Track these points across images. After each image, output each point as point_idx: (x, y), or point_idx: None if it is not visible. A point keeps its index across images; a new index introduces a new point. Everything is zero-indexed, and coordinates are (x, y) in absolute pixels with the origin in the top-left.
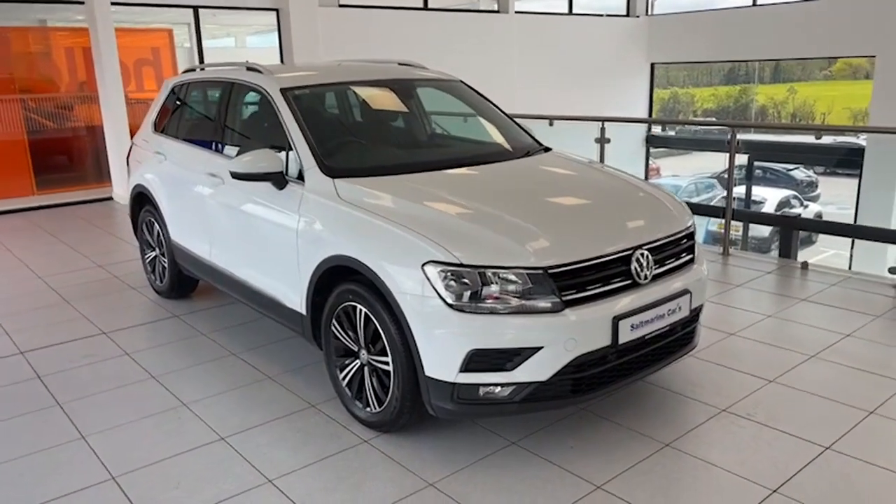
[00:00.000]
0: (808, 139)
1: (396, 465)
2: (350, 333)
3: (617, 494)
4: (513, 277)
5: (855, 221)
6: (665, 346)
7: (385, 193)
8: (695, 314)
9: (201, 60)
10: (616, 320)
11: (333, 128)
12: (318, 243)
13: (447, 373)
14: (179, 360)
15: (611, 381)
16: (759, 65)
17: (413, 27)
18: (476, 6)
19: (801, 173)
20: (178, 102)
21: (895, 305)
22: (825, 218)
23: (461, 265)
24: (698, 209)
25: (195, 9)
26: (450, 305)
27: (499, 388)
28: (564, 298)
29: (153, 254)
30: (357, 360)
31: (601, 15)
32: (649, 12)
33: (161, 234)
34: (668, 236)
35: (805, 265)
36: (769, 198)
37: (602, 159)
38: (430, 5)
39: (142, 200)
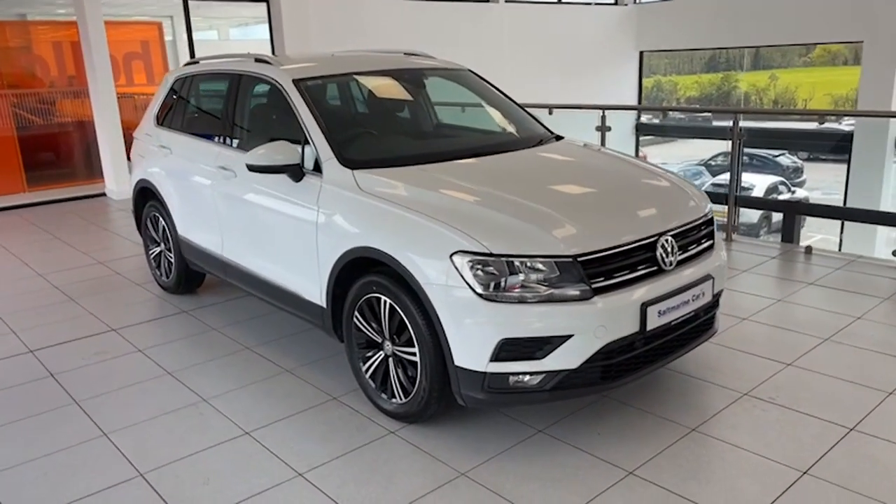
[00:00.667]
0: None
1: (426, 455)
2: (373, 325)
3: (649, 479)
4: (542, 266)
5: (844, 205)
6: (688, 332)
7: (406, 184)
8: (716, 299)
9: (192, 54)
10: (644, 307)
11: (348, 118)
12: (339, 235)
13: (477, 362)
14: (193, 355)
15: (638, 367)
16: (740, 52)
17: (404, 17)
18: None
19: (786, 159)
20: (182, 95)
21: None
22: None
23: (490, 254)
24: None
25: (185, 0)
26: (479, 295)
27: (529, 377)
28: (593, 286)
29: (158, 249)
30: (381, 352)
31: (589, 3)
32: (637, 0)
33: (167, 229)
34: (691, 222)
35: (809, 249)
36: (757, 184)
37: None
38: None
39: (146, 195)
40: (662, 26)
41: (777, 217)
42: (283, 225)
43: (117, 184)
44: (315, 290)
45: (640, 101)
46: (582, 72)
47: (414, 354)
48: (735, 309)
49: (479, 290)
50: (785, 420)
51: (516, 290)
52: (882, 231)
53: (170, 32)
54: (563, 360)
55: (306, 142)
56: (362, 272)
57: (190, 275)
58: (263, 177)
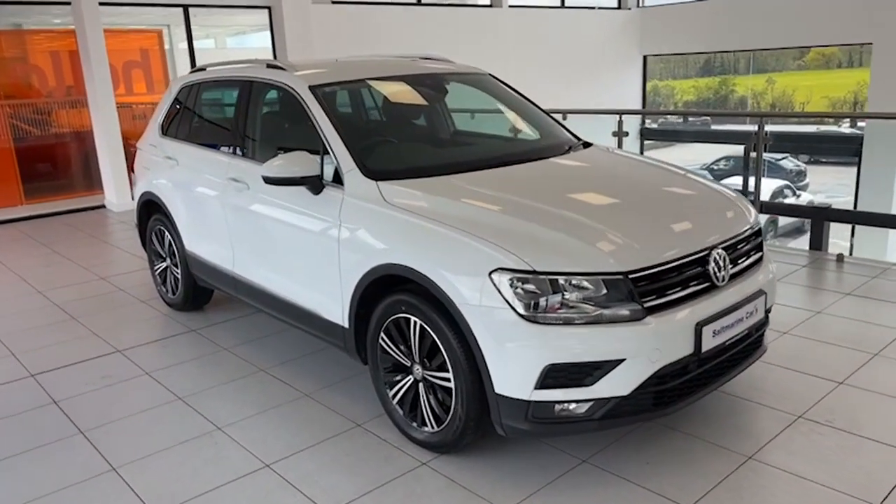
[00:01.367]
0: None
1: (463, 490)
2: (401, 347)
3: None
4: (591, 284)
5: (855, 208)
6: (740, 352)
7: (436, 195)
8: (766, 316)
9: (193, 62)
10: (699, 327)
11: (369, 127)
12: (363, 252)
13: (521, 390)
14: (205, 378)
15: (691, 392)
16: (734, 56)
17: (407, 23)
18: (469, 1)
19: (789, 163)
20: (188, 104)
21: None
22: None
23: (533, 272)
24: None
25: (185, 8)
26: (522, 316)
27: (575, 405)
28: (645, 305)
29: (164, 264)
30: (409, 376)
31: (593, 8)
32: (640, 4)
33: (173, 244)
34: (741, 233)
35: (840, 257)
36: (763, 188)
37: None
38: (423, 1)
39: (150, 208)
40: (666, 30)
41: (784, 221)
42: (301, 240)
43: (117, 196)
44: (336, 310)
45: (643, 105)
46: (585, 76)
47: (448, 380)
48: (773, 322)
49: (522, 311)
50: (846, 446)
51: (562, 311)
52: (893, 234)
53: (167, 41)
54: (614, 386)
55: (325, 152)
56: (389, 290)
57: (198, 291)
58: (279, 189)
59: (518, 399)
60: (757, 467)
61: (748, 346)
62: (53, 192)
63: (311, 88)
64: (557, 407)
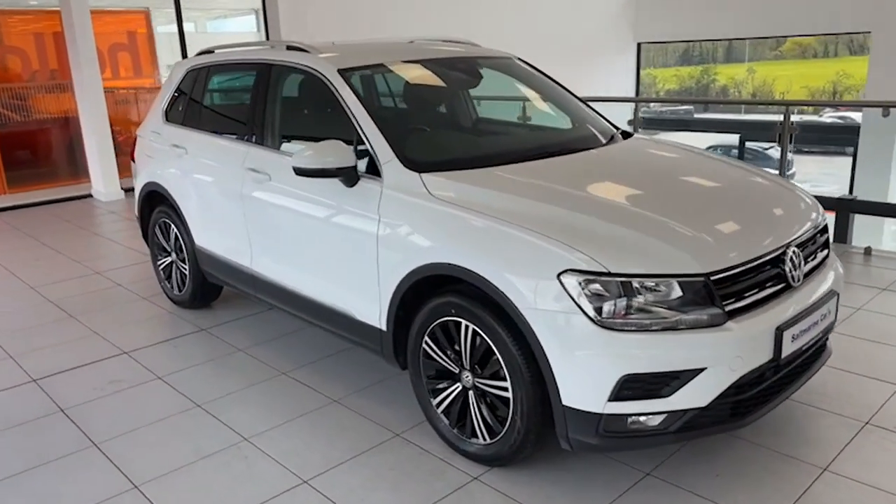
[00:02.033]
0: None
1: None
2: (448, 353)
3: None
4: (670, 287)
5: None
6: (809, 357)
7: (488, 189)
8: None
9: (183, 45)
10: (779, 331)
11: (405, 114)
12: (406, 249)
13: (592, 402)
14: (223, 383)
15: (767, 401)
16: (713, 45)
17: (401, 5)
18: None
19: (776, 152)
20: (196, 89)
21: None
22: None
23: (608, 274)
24: None
25: None
26: (596, 322)
27: (649, 417)
28: (726, 309)
29: (168, 259)
30: (457, 384)
31: None
32: None
33: (180, 238)
34: (811, 229)
35: (868, 250)
36: None
37: None
38: None
39: (154, 200)
40: (661, 17)
41: None
42: (332, 236)
43: (105, 184)
44: (372, 311)
45: (637, 93)
46: (580, 63)
47: (505, 389)
48: None
49: (596, 317)
50: None
51: (639, 316)
52: (889, 224)
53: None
54: (693, 397)
55: (359, 141)
56: (434, 291)
57: (206, 288)
58: (306, 181)
59: (589, 412)
60: (835, 481)
61: (817, 350)
62: (38, 181)
63: (341, 72)
64: (630, 420)
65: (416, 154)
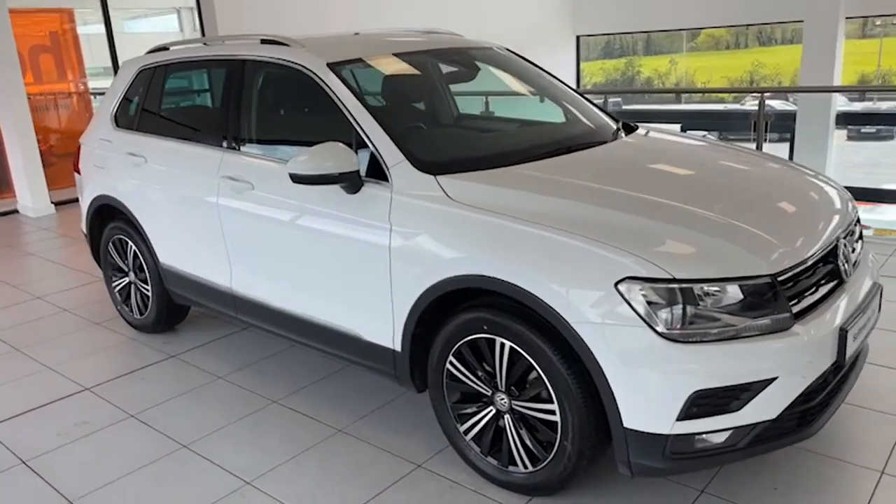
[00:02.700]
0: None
1: None
2: (478, 373)
3: None
4: (738, 291)
5: None
6: (858, 356)
7: (519, 190)
8: None
9: (112, 45)
10: (843, 331)
11: (406, 111)
12: (426, 261)
13: (659, 423)
14: (207, 417)
15: (828, 406)
16: (633, 38)
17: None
18: None
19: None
20: (152, 90)
21: None
22: None
23: (673, 280)
24: None
25: None
26: (661, 335)
27: (717, 435)
28: (792, 311)
29: (125, 280)
30: (490, 407)
31: None
32: None
33: (141, 256)
34: (854, 221)
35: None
36: None
37: None
38: None
39: (106, 215)
40: (599, 10)
41: None
42: (332, 249)
43: (33, 198)
44: (383, 330)
45: (578, 87)
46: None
47: (550, 412)
48: None
49: (661, 329)
50: None
51: (708, 325)
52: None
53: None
54: (763, 409)
55: (359, 142)
56: (455, 306)
57: (173, 309)
58: (297, 189)
59: (654, 434)
60: (893, 483)
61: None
62: None
63: (331, 67)
64: (697, 439)
65: (428, 154)
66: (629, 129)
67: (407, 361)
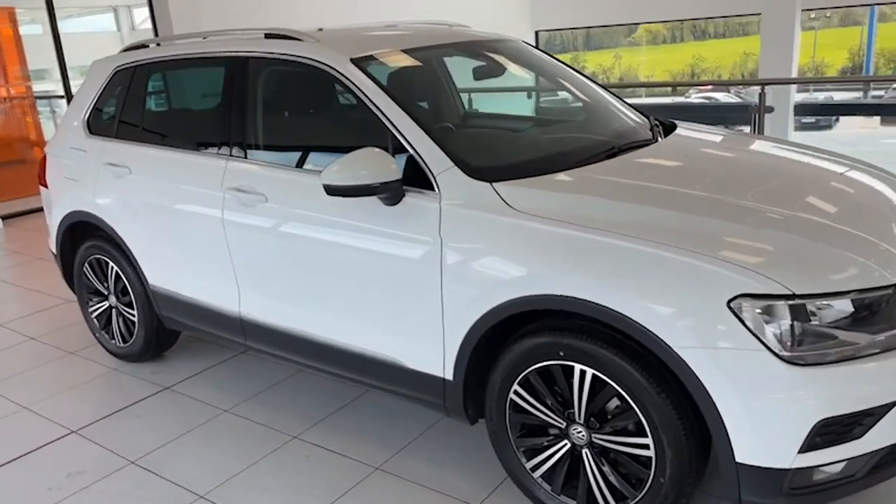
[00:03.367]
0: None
1: None
2: (549, 402)
3: None
4: (861, 305)
5: None
6: None
7: (594, 197)
8: None
9: (58, 45)
10: None
11: (442, 110)
12: (489, 280)
13: (779, 457)
14: (222, 460)
15: None
16: (573, 34)
17: None
18: None
19: None
20: (133, 92)
21: None
22: None
23: (793, 296)
24: None
25: None
26: (782, 358)
27: (835, 465)
28: None
29: (105, 304)
30: (563, 441)
31: None
32: None
33: (125, 278)
34: None
35: None
36: None
37: None
38: None
39: (79, 232)
40: (558, 4)
41: None
42: (368, 267)
43: None
44: (432, 357)
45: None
46: None
47: (643, 446)
48: None
49: (781, 351)
50: None
51: (832, 345)
52: None
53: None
54: (885, 434)
55: (396, 147)
56: (515, 329)
57: (162, 335)
58: (324, 200)
59: (773, 468)
60: None
61: None
62: None
63: (356, 63)
64: (816, 471)
65: (480, 159)
66: (666, 126)
67: (460, 391)
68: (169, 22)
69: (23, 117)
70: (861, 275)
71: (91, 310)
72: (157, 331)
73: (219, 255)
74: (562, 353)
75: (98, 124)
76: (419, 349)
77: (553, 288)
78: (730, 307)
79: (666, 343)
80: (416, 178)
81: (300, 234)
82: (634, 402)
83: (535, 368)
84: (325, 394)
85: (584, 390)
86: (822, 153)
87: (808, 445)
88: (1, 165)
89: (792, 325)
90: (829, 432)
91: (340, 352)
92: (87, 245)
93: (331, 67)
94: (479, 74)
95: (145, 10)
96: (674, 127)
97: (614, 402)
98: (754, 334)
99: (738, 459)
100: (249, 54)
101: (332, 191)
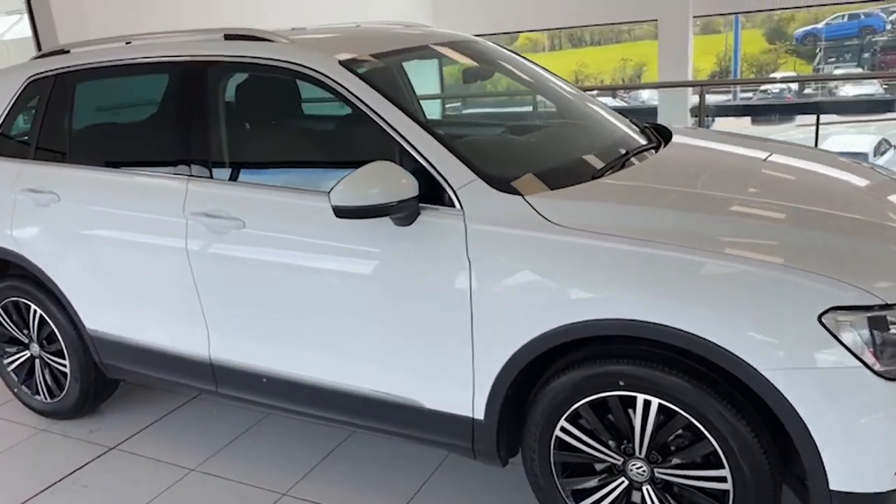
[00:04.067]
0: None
1: None
2: (601, 437)
3: None
4: None
5: None
6: None
7: (641, 207)
8: None
9: None
10: None
11: (451, 117)
12: (531, 306)
13: (879, 480)
14: None
15: None
16: (492, 39)
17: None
18: None
19: None
20: (55, 105)
21: None
22: None
23: (887, 306)
24: None
25: None
26: (880, 375)
27: None
28: None
29: (24, 354)
30: (619, 478)
31: None
32: None
33: (53, 323)
34: None
35: None
36: None
37: None
38: None
39: None
40: (459, 11)
41: None
42: (377, 297)
43: None
44: (457, 395)
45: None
46: None
47: (719, 479)
48: None
49: (880, 368)
50: None
51: None
52: None
53: None
54: None
55: (404, 159)
56: (554, 359)
57: (100, 386)
58: (319, 223)
59: (869, 493)
60: None
61: None
62: None
63: (346, 65)
64: None
65: (505, 170)
66: (658, 130)
67: (493, 432)
68: (53, 28)
69: None
70: None
71: (7, 361)
72: (95, 381)
73: (181, 292)
74: (622, 383)
75: (8, 144)
76: (441, 387)
77: (612, 312)
78: (821, 321)
79: (751, 366)
80: (428, 193)
81: (291, 263)
82: (709, 431)
83: (588, 401)
84: (304, 440)
85: (647, 422)
86: (824, 153)
87: None
88: None
89: (884, 338)
90: None
91: (342, 394)
92: (1, 285)
93: (317, 72)
94: (468, 77)
95: (9, 19)
96: (663, 129)
97: (679, 433)
98: (849, 349)
99: (832, 487)
100: (208, 58)
101: (342, 213)
